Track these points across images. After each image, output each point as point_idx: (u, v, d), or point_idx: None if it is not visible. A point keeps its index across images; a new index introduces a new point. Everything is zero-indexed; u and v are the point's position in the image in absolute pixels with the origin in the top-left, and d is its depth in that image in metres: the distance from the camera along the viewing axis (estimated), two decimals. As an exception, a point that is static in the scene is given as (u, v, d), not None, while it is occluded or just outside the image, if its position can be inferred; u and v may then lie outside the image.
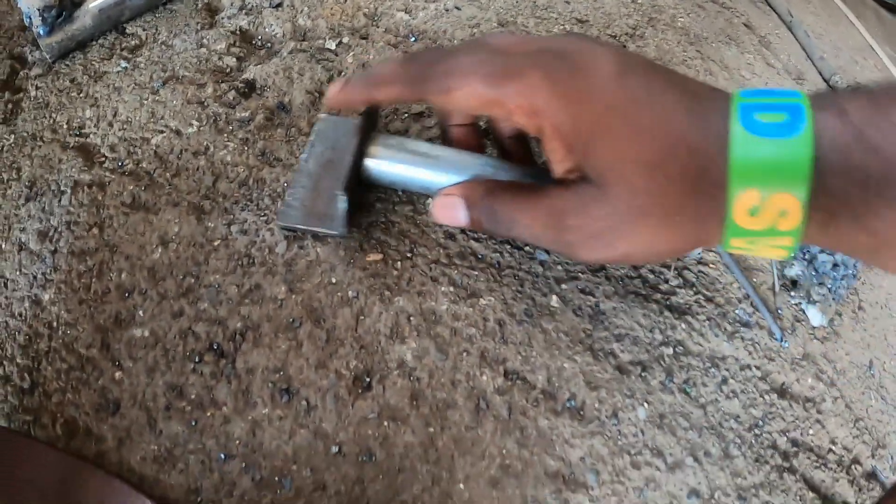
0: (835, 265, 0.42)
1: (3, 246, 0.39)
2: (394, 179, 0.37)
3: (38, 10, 0.46)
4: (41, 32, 0.47)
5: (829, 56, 0.63)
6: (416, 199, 0.40)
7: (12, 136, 0.44)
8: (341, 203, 0.34)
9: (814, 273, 0.42)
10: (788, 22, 0.66)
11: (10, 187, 0.41)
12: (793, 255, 0.26)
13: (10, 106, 0.46)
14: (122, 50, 0.49)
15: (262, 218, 0.39)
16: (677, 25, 0.57)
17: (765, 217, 0.24)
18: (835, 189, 0.23)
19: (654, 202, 0.26)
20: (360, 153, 0.36)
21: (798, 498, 0.36)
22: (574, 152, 0.27)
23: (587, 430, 0.34)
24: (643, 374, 0.37)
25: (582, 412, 0.35)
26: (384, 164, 0.36)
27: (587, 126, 0.26)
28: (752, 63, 0.58)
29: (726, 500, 0.34)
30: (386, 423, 0.33)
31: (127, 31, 0.50)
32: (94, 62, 0.48)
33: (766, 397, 0.38)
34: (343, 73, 0.47)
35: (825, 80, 0.62)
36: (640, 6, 0.58)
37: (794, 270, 0.42)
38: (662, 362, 0.37)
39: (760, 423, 0.37)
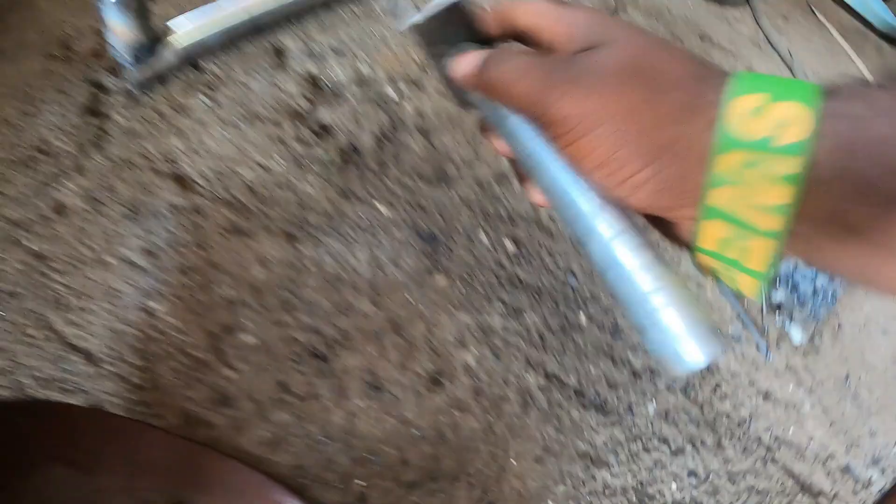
0: (815, 292, 0.52)
1: (108, 259, 0.47)
2: None
3: (129, 45, 0.54)
4: (130, 66, 0.55)
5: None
6: (472, 233, 0.49)
7: (105, 159, 0.52)
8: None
9: (796, 298, 0.51)
10: (789, 62, 0.75)
11: (107, 205, 0.49)
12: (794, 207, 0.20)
13: (95, 131, 0.54)
14: (201, 85, 0.56)
15: (346, 245, 0.47)
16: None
17: (765, 120, 0.21)
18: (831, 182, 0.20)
19: (643, 73, 0.24)
20: None
21: (779, 484, 0.45)
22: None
23: (609, 421, 0.43)
24: (652, 378, 0.46)
25: (605, 406, 0.44)
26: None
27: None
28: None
29: (718, 481, 0.44)
30: (455, 412, 0.41)
31: (202, 67, 0.58)
32: (176, 96, 0.56)
33: (753, 400, 0.47)
34: (404, 120, 0.56)
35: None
36: None
37: (779, 296, 0.51)
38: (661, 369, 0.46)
39: (747, 420, 0.46)
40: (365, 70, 0.59)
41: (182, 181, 0.50)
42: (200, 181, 0.50)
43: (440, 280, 0.46)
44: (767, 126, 0.21)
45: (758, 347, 0.49)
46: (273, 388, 0.42)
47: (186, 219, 0.48)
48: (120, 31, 0.52)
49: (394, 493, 0.39)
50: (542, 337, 0.45)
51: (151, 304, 0.44)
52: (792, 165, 0.20)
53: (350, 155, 0.52)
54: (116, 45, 0.53)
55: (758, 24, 0.87)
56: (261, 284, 0.45)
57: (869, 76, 0.90)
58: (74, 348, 0.43)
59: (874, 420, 0.53)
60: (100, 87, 0.56)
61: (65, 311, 0.44)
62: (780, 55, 0.78)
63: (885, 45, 1.26)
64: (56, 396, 0.41)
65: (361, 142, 0.53)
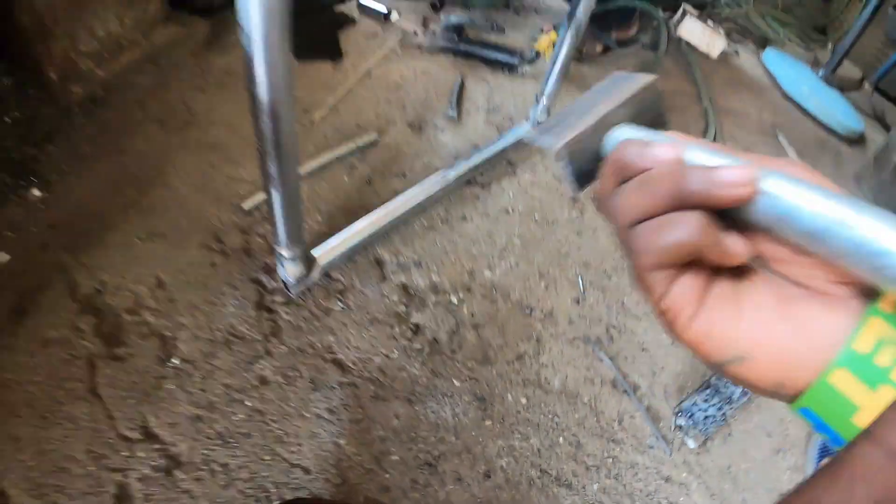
0: (705, 418, 0.92)
1: (305, 414, 0.84)
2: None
3: (294, 275, 0.91)
4: (293, 284, 0.92)
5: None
6: (505, 393, 0.89)
7: (284, 346, 0.89)
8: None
9: (692, 422, 0.91)
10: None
11: (295, 380, 0.87)
12: None
13: (270, 324, 0.91)
14: (336, 293, 0.94)
15: (438, 403, 0.86)
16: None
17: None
18: None
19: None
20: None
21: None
22: None
23: (571, 491, 0.84)
24: (597, 469, 0.86)
25: (569, 484, 0.84)
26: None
27: None
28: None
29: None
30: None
31: (333, 277, 0.95)
32: (321, 300, 0.93)
33: (658, 482, 0.88)
34: (463, 321, 0.95)
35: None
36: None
37: (681, 421, 0.92)
38: (606, 464, 0.87)
39: (653, 493, 0.87)
40: (436, 279, 0.98)
41: (340, 364, 0.89)
42: (352, 365, 0.89)
43: (488, 423, 0.85)
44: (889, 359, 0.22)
45: (665, 449, 0.90)
46: (407, 481, 0.81)
47: (349, 390, 0.87)
48: (290, 269, 0.89)
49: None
50: (540, 453, 0.85)
51: (338, 440, 0.83)
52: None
53: (434, 346, 0.91)
54: (286, 276, 0.90)
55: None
56: (398, 428, 0.84)
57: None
58: (296, 465, 0.81)
59: (747, 493, 0.93)
60: (262, 285, 0.94)
61: (285, 445, 0.82)
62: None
63: (844, 149, 1.65)
64: (288, 494, 0.79)
65: (439, 336, 0.92)
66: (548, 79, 1.17)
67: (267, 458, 0.79)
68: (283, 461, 0.79)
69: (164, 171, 1.06)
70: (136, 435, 0.75)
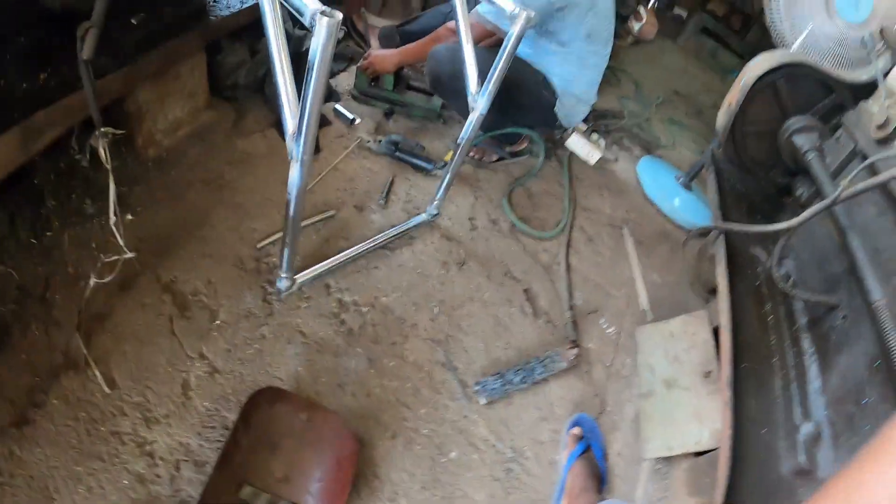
0: (493, 389, 1.80)
1: (283, 356, 1.69)
2: None
3: (285, 287, 1.76)
4: (281, 290, 1.78)
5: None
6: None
7: (275, 322, 1.74)
8: None
9: (483, 389, 1.80)
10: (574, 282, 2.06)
11: (281, 340, 1.72)
12: None
13: (268, 308, 1.76)
14: (304, 298, 1.80)
15: (355, 360, 1.72)
16: (484, 299, 1.96)
17: None
18: None
19: None
20: None
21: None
22: None
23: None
24: (426, 404, 1.74)
25: (408, 406, 1.71)
26: None
27: None
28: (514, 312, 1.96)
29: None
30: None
31: (304, 290, 1.81)
32: (296, 301, 1.79)
33: (460, 417, 1.75)
34: (367, 322, 1.83)
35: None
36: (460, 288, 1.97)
37: (476, 387, 1.81)
38: (432, 401, 1.74)
39: (455, 422, 1.75)
40: (356, 298, 1.85)
41: (304, 333, 1.73)
42: (308, 335, 1.74)
43: (372, 371, 1.72)
44: None
45: (465, 401, 1.78)
46: (330, 391, 1.66)
47: (306, 347, 1.72)
48: (283, 283, 1.74)
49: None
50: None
51: (298, 368, 1.68)
52: None
53: (351, 331, 1.77)
54: (279, 286, 1.75)
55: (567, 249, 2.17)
56: (329, 367, 1.70)
57: (641, 288, 2.21)
58: (275, 377, 1.65)
59: (515, 437, 1.78)
60: (265, 290, 1.79)
61: (269, 368, 1.67)
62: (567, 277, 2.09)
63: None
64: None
65: (354, 328, 1.79)
66: (440, 185, 2.08)
67: (256, 374, 1.63)
68: (267, 374, 1.63)
69: (209, 216, 1.91)
70: (195, 355, 1.59)
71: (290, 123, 1.19)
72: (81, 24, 1.21)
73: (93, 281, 1.43)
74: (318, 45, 1.03)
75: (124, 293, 1.61)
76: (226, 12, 1.96)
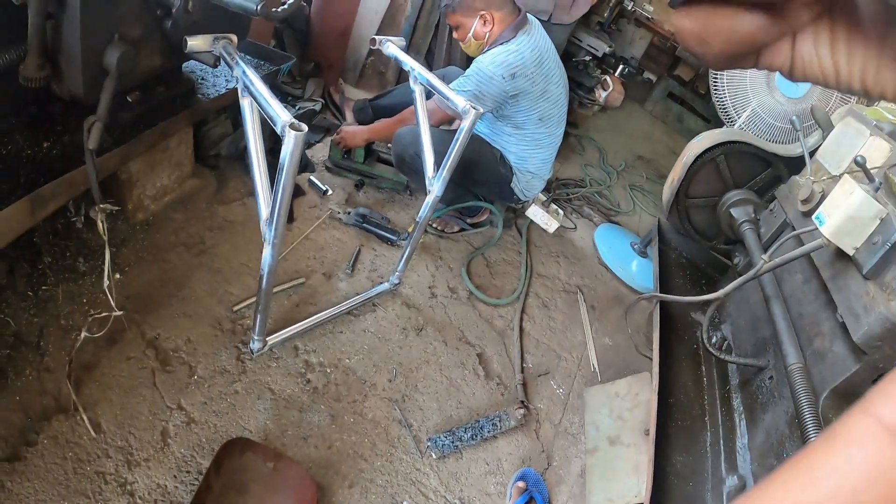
0: (444, 445, 2.01)
1: (253, 409, 1.89)
2: None
3: (257, 348, 1.97)
4: (254, 350, 1.98)
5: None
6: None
7: (247, 378, 1.95)
8: None
9: (435, 445, 2.01)
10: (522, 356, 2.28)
11: (251, 394, 1.92)
12: None
13: (241, 366, 1.97)
14: (274, 358, 2.01)
15: (317, 414, 1.92)
16: (440, 362, 2.18)
17: None
18: None
19: None
20: None
21: None
22: None
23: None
24: (382, 456, 1.93)
25: (365, 458, 1.91)
26: None
27: None
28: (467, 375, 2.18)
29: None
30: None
31: (274, 350, 2.02)
32: (266, 360, 2.00)
33: (413, 469, 1.95)
34: (330, 381, 2.04)
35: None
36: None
37: (429, 443, 2.02)
38: (387, 455, 1.94)
39: (408, 475, 1.94)
40: (322, 359, 2.06)
41: (272, 390, 1.94)
42: (277, 391, 1.94)
43: (333, 426, 1.92)
44: None
45: (418, 456, 1.98)
46: (298, 441, 1.86)
47: (274, 402, 1.91)
48: (255, 344, 1.95)
49: None
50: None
51: (267, 421, 1.88)
52: None
53: (315, 389, 1.98)
54: (252, 346, 1.96)
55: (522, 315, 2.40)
56: (295, 421, 1.89)
57: (592, 351, 2.44)
58: (245, 428, 1.84)
59: (464, 487, 1.98)
60: (239, 349, 1.99)
61: (240, 420, 1.86)
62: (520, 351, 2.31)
63: (643, 304, 2.70)
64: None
65: (318, 386, 1.99)
66: (401, 257, 2.32)
67: (229, 426, 1.82)
68: (238, 426, 1.82)
69: (190, 278, 2.12)
70: (175, 406, 1.78)
71: (263, 210, 1.42)
72: (88, 118, 1.44)
73: (84, 334, 1.63)
74: (287, 153, 1.26)
75: (111, 346, 1.80)
76: (213, 93, 2.21)
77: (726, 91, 2.65)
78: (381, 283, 2.41)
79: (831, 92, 2.32)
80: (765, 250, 1.99)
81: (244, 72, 1.43)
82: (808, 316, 1.82)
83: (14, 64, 1.29)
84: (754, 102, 2.53)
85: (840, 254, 1.62)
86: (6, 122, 1.60)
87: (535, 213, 3.12)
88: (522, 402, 2.20)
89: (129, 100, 1.87)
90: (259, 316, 1.81)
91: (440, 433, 2.00)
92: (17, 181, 1.55)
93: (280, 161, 1.30)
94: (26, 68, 1.27)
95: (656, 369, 2.01)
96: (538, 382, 2.34)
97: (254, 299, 2.08)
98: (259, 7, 1.33)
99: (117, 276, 1.98)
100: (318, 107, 2.99)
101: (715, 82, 2.66)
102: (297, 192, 2.66)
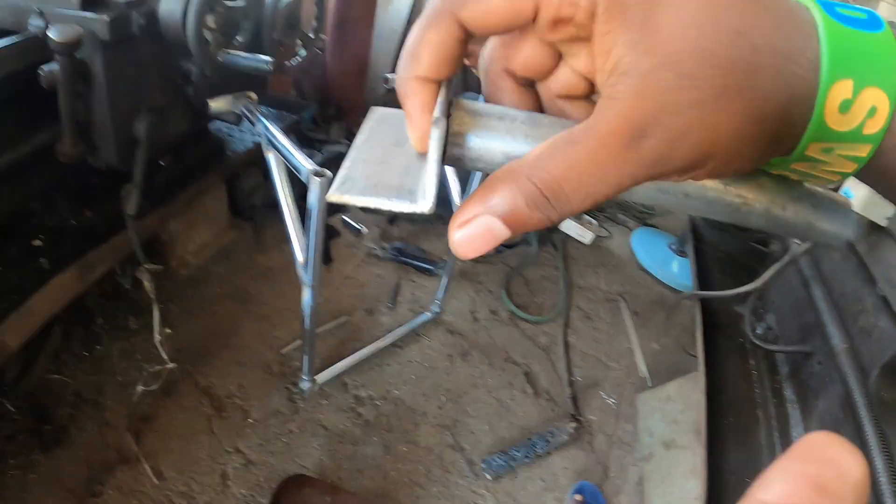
0: (498, 465, 2.09)
1: (307, 446, 2.01)
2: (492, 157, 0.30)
3: (307, 387, 2.10)
4: (304, 391, 2.11)
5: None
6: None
7: (301, 418, 2.07)
8: (432, 160, 0.27)
9: (490, 466, 2.09)
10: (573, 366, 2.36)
11: (306, 433, 2.04)
12: (857, 172, 0.27)
13: (293, 407, 2.09)
14: (324, 396, 2.13)
15: (371, 447, 2.03)
16: (487, 385, 2.27)
17: (854, 115, 0.25)
18: None
19: (742, 77, 0.24)
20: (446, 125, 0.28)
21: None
22: (634, 23, 0.25)
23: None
24: (437, 483, 2.02)
25: (421, 485, 2.00)
26: (482, 137, 0.29)
27: None
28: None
29: None
30: None
31: (324, 389, 2.14)
32: (318, 399, 2.12)
33: (469, 493, 2.04)
34: (380, 413, 2.15)
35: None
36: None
37: (483, 465, 2.10)
38: (443, 481, 2.03)
39: (464, 498, 2.03)
40: (371, 392, 2.17)
41: (325, 426, 2.06)
42: (330, 427, 2.05)
43: (388, 457, 2.02)
44: (855, 119, 0.25)
45: (472, 478, 2.06)
46: (354, 474, 1.96)
47: (327, 438, 2.03)
48: (305, 384, 2.07)
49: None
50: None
51: (322, 457, 1.99)
52: (866, 150, 0.26)
53: (367, 422, 2.09)
54: (302, 386, 2.08)
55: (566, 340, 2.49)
56: (353, 454, 2.00)
57: (640, 357, 2.51)
58: (302, 466, 1.96)
59: None
60: (290, 390, 2.12)
61: (295, 457, 1.98)
62: (567, 362, 2.40)
63: (684, 303, 2.75)
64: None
65: (370, 418, 2.10)
66: (441, 286, 2.43)
67: (285, 464, 1.94)
68: (295, 463, 1.94)
69: (237, 326, 2.27)
70: (232, 449, 1.91)
71: (299, 255, 1.55)
72: (125, 186, 1.59)
73: (140, 388, 1.78)
74: (314, 200, 1.39)
75: (168, 397, 1.94)
76: (241, 148, 2.37)
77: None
78: (423, 312, 2.51)
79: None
80: (799, 230, 2.02)
81: (266, 127, 1.57)
82: (849, 294, 1.84)
83: (51, 142, 1.45)
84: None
85: (874, 226, 1.64)
86: (50, 195, 1.77)
87: (569, 226, 3.20)
88: (573, 415, 2.26)
89: (162, 164, 2.03)
90: (306, 357, 1.93)
91: (493, 454, 2.08)
92: (65, 249, 1.72)
93: (308, 207, 1.42)
94: (63, 146, 1.43)
95: (702, 368, 2.06)
96: (588, 394, 2.40)
97: (300, 342, 2.21)
98: (271, 65, 1.47)
99: (167, 330, 2.12)
100: (344, 148, 3.14)
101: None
102: (333, 233, 2.80)
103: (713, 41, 0.24)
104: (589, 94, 0.32)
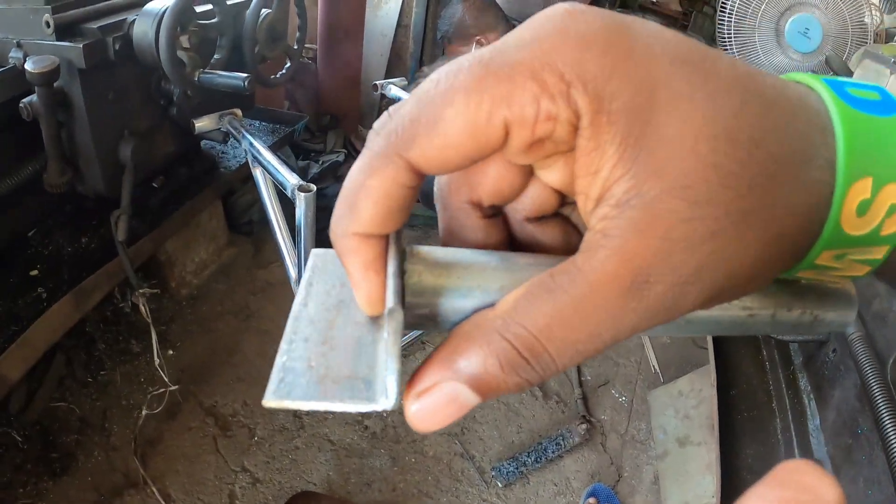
0: (509, 472, 2.10)
1: (316, 464, 2.02)
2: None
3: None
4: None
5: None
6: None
7: (305, 433, 2.08)
8: (391, 356, 0.23)
9: (500, 473, 2.10)
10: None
11: (312, 448, 2.05)
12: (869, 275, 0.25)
13: (299, 421, 2.11)
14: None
15: (379, 458, 2.04)
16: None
17: (872, 216, 0.22)
18: None
19: (763, 196, 0.21)
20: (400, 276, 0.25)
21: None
22: (629, 137, 0.21)
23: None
24: (447, 492, 2.03)
25: (430, 496, 2.01)
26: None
27: (646, 89, 0.21)
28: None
29: None
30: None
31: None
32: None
33: (479, 500, 2.04)
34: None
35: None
36: None
37: (493, 472, 2.11)
38: (453, 490, 2.04)
39: (474, 505, 2.04)
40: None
41: (330, 440, 2.07)
42: (336, 441, 2.07)
43: (396, 468, 2.03)
44: (873, 220, 0.22)
45: (482, 486, 2.07)
46: (362, 487, 1.97)
47: (334, 453, 2.04)
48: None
49: None
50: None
51: (330, 472, 2.01)
52: (883, 252, 0.23)
53: (373, 435, 2.10)
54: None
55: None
56: (359, 466, 2.01)
57: (651, 352, 2.52)
58: (309, 482, 1.97)
59: None
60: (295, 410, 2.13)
61: (303, 474, 2.00)
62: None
63: None
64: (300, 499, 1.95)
65: (374, 432, 2.12)
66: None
67: (293, 481, 1.96)
68: (302, 480, 1.95)
69: (239, 343, 2.29)
70: (239, 469, 1.93)
71: (292, 272, 1.57)
72: (113, 213, 1.61)
73: (144, 411, 1.80)
74: (301, 214, 1.40)
75: (172, 419, 1.96)
76: (234, 164, 2.39)
77: (735, 55, 2.68)
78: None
79: (845, 38, 2.34)
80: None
81: (251, 143, 1.59)
82: (861, 278, 1.83)
83: (38, 173, 1.47)
84: (766, 64, 2.55)
85: None
86: (44, 224, 1.80)
87: (575, 223, 3.20)
88: (584, 416, 2.27)
89: (155, 185, 2.05)
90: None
91: (503, 461, 2.09)
92: (62, 277, 1.74)
93: (297, 223, 1.44)
94: (49, 175, 1.45)
95: (712, 362, 2.06)
96: (599, 394, 2.40)
97: (302, 355, 2.22)
98: (246, 83, 1.48)
99: (170, 351, 2.17)
100: (341, 157, 3.16)
101: (724, 46, 2.68)
102: (327, 245, 2.81)
103: (730, 157, 0.21)
104: (558, 207, 0.28)
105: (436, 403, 0.22)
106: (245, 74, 1.48)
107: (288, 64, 1.95)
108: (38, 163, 1.48)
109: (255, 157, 1.57)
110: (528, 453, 2.11)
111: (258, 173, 1.60)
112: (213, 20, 1.54)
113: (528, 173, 0.26)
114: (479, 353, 0.22)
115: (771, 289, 0.28)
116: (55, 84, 1.32)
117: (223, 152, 2.43)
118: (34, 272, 1.75)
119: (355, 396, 0.22)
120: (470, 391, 0.22)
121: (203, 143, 2.27)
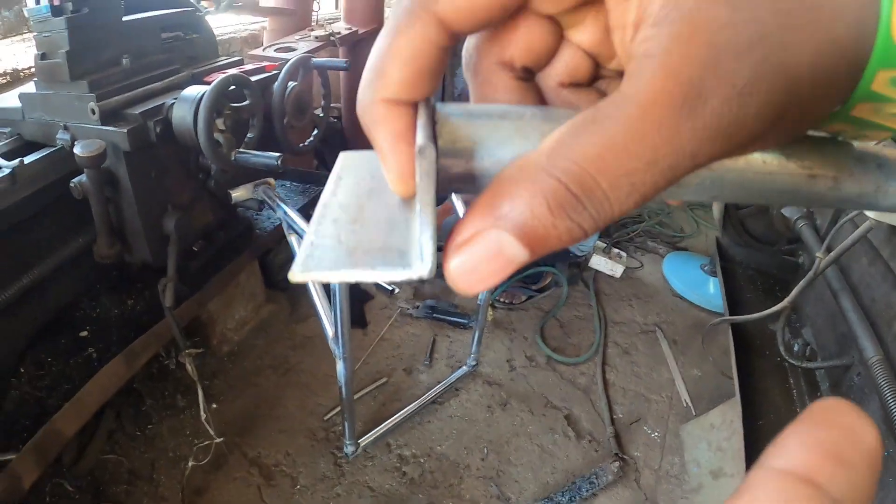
0: None
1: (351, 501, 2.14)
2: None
3: (350, 451, 2.23)
4: (347, 454, 2.25)
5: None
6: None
7: (346, 480, 2.20)
8: (424, 203, 0.22)
9: None
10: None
11: (353, 494, 2.17)
12: None
13: (339, 471, 2.22)
14: (369, 457, 2.26)
15: (415, 499, 2.15)
16: (528, 432, 2.39)
17: None
18: None
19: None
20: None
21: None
22: None
23: None
24: None
25: None
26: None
27: None
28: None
29: None
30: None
31: (367, 451, 2.28)
32: (362, 460, 2.25)
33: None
34: (425, 470, 2.27)
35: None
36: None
37: None
38: None
39: None
40: (414, 451, 2.30)
41: (371, 487, 2.19)
42: (376, 488, 2.18)
43: (436, 515, 2.14)
44: None
45: None
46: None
47: (373, 499, 2.16)
48: (348, 448, 2.21)
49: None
50: None
51: (366, 522, 2.11)
52: None
53: (412, 480, 2.21)
54: (346, 450, 2.22)
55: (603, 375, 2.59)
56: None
57: (682, 386, 2.60)
58: (350, 534, 2.09)
59: None
60: (335, 455, 2.25)
61: (348, 525, 2.11)
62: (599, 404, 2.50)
63: (721, 326, 2.79)
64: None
65: (414, 476, 2.23)
66: (473, 340, 2.56)
67: (337, 530, 2.07)
68: (344, 528, 2.07)
69: (280, 396, 2.43)
70: (284, 517, 2.05)
71: (329, 329, 1.71)
72: (161, 280, 1.77)
73: (191, 463, 1.95)
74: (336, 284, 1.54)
75: (218, 470, 2.10)
76: (269, 225, 2.56)
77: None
78: (460, 367, 2.64)
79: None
80: (823, 241, 2.07)
81: (285, 212, 1.75)
82: (880, 300, 1.86)
83: (88, 245, 1.65)
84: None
85: (894, 229, 1.70)
86: (93, 289, 1.97)
87: (599, 262, 3.30)
88: (617, 454, 2.35)
89: (195, 249, 2.22)
90: (347, 422, 2.08)
91: (538, 501, 2.18)
92: (112, 339, 1.90)
93: (332, 285, 1.58)
94: (99, 248, 1.62)
95: (737, 395, 2.14)
96: (631, 431, 2.48)
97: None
98: (279, 161, 1.64)
99: (214, 405, 2.31)
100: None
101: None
102: (366, 297, 2.96)
103: None
104: (594, 79, 0.28)
105: (479, 256, 0.20)
106: (277, 154, 1.64)
107: (315, 131, 2.11)
108: (88, 236, 1.65)
109: (289, 225, 1.72)
110: (563, 493, 2.20)
111: (293, 240, 1.75)
112: (244, 102, 1.70)
113: (559, 34, 0.26)
114: (525, 195, 0.20)
115: (826, 149, 0.26)
116: (102, 165, 1.50)
117: (258, 215, 2.60)
118: (84, 333, 1.92)
119: (389, 264, 0.21)
120: (516, 242, 0.20)
121: (239, 208, 2.45)
